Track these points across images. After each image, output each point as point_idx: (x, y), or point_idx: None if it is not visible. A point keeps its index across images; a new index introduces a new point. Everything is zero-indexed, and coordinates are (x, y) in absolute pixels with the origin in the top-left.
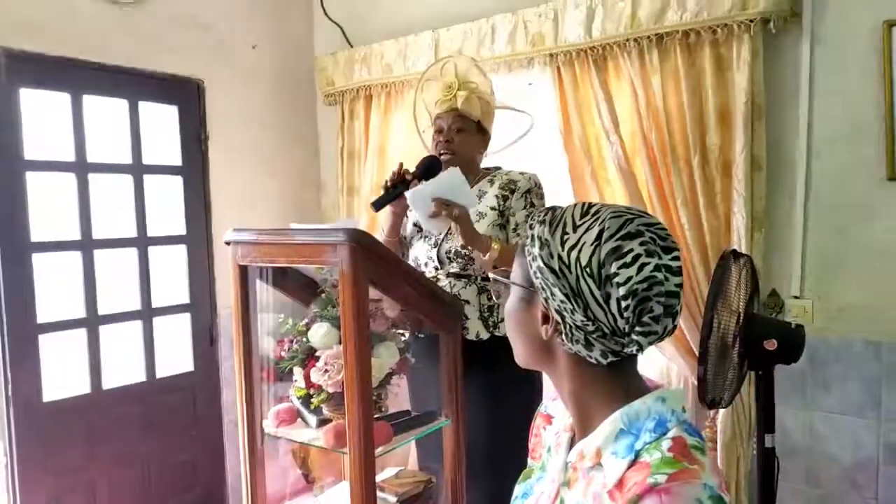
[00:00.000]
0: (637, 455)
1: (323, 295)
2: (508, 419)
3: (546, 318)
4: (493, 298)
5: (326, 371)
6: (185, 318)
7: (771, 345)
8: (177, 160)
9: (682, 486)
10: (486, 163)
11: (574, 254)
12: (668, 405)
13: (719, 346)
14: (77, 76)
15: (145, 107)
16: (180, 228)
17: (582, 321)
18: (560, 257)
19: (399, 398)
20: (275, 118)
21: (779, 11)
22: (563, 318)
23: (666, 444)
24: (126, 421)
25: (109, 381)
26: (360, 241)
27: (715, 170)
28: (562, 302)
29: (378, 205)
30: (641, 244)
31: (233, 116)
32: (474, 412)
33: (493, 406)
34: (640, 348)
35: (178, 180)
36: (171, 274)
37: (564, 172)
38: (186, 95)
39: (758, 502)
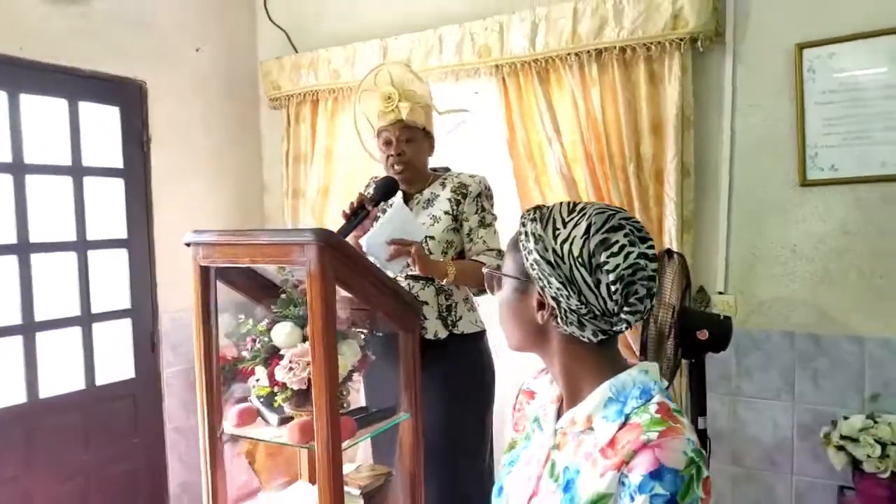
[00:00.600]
0: (627, 418)
1: (284, 295)
2: (466, 412)
3: (541, 305)
4: (451, 298)
5: (291, 369)
6: (125, 324)
7: (703, 335)
8: (118, 163)
9: (671, 441)
10: (434, 163)
11: (567, 246)
12: (650, 376)
13: (656, 337)
14: (14, 74)
15: (86, 107)
16: (121, 232)
17: (576, 305)
18: (554, 250)
19: (352, 396)
20: (218, 121)
21: (705, 31)
22: (558, 303)
23: (653, 408)
24: (65, 431)
25: (47, 390)
26: (328, 241)
27: (648, 176)
28: (558, 289)
29: (342, 235)
30: (625, 236)
31: (176, 119)
32: (433, 407)
33: (451, 401)
34: (628, 326)
35: (119, 183)
36: (112, 279)
37: (510, 177)
38: (128, 97)
39: None
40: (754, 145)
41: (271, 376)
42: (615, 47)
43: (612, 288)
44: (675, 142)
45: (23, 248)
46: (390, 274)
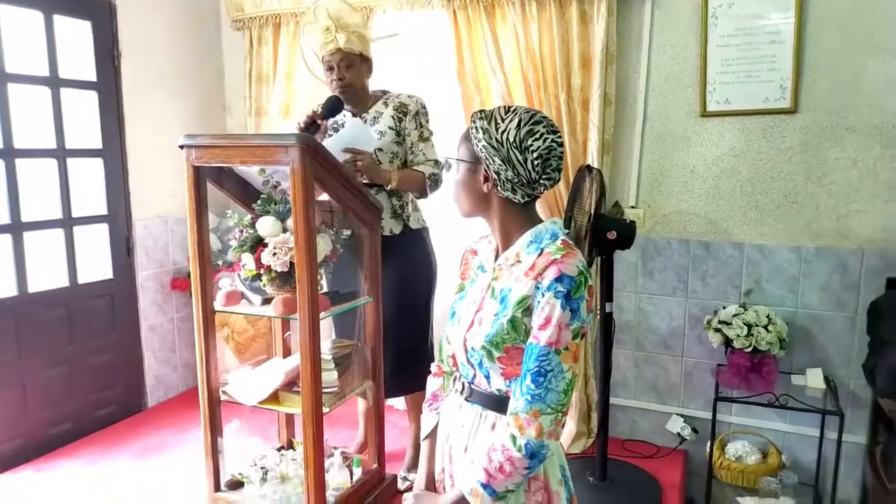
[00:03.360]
0: (542, 251)
1: (264, 195)
2: (416, 294)
3: (486, 178)
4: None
5: (275, 254)
6: (103, 229)
7: (612, 235)
8: (92, 76)
9: (569, 259)
10: (374, 86)
11: (504, 135)
12: (557, 226)
13: (574, 238)
14: None
15: (60, 21)
16: (97, 142)
17: (511, 176)
18: (496, 138)
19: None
20: (182, 39)
21: None
22: (499, 175)
23: (558, 242)
24: (51, 323)
25: (35, 285)
26: (308, 144)
27: (577, 104)
28: (499, 165)
29: None
30: (543, 127)
31: (143, 37)
32: (389, 290)
33: (403, 284)
34: (545, 189)
35: (93, 95)
36: (90, 186)
37: (459, 101)
38: (99, 12)
39: (601, 354)
40: (665, 80)
41: (258, 261)
42: None
43: (535, 163)
44: (600, 75)
45: (7, 154)
46: None
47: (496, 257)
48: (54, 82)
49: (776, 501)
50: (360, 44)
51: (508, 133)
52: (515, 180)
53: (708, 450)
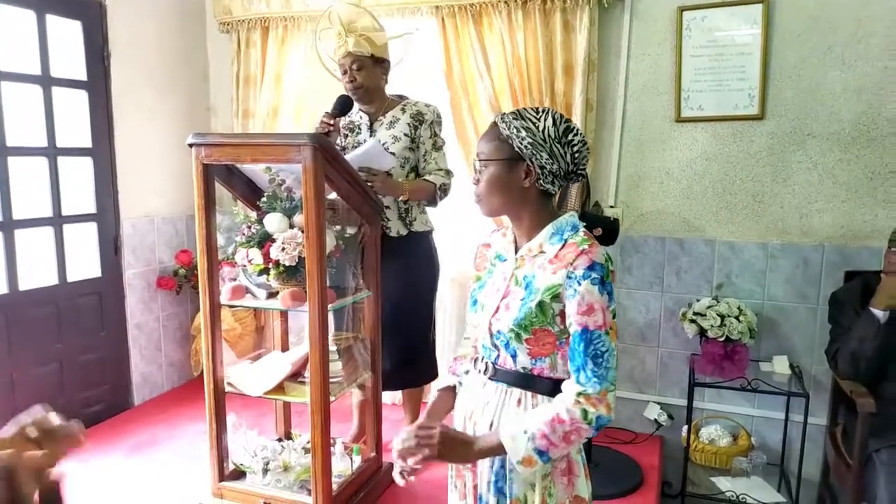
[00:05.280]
0: (565, 241)
1: (269, 192)
2: (418, 295)
3: (527, 174)
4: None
5: (284, 248)
6: (91, 227)
7: (598, 232)
8: (82, 75)
9: (596, 249)
10: (391, 90)
11: (546, 132)
12: (575, 219)
13: None
14: None
15: (52, 21)
16: (86, 141)
17: (555, 169)
18: (540, 136)
19: None
20: (169, 41)
21: None
22: (543, 169)
23: (581, 234)
24: (41, 321)
25: (25, 283)
26: (320, 143)
27: (560, 109)
28: (546, 160)
29: None
30: (572, 125)
31: (132, 37)
32: (393, 291)
33: (407, 284)
34: (576, 180)
35: (83, 95)
36: (79, 184)
37: (447, 105)
38: (90, 13)
39: None
40: (643, 87)
41: (266, 255)
42: None
43: (575, 155)
44: (582, 81)
45: None
46: None
47: (516, 248)
48: (46, 81)
49: (747, 480)
50: (369, 46)
51: (548, 130)
52: (558, 172)
53: (684, 433)
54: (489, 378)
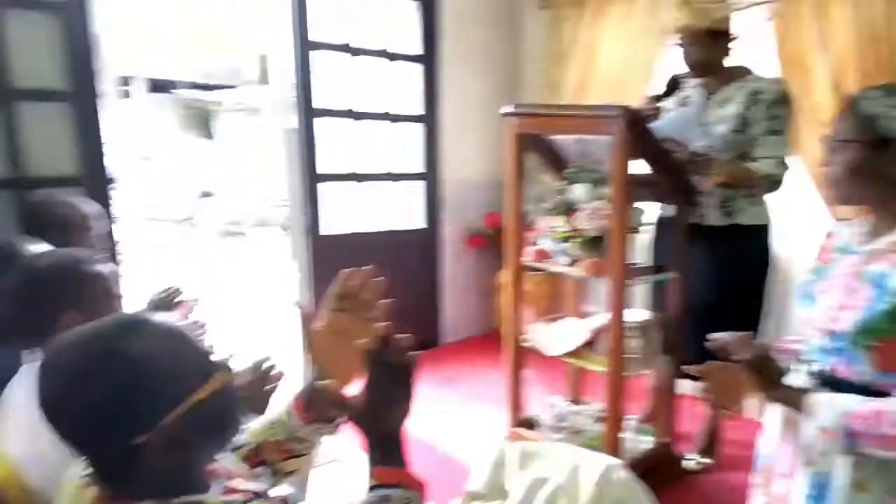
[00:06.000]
0: None
1: (575, 163)
2: (734, 291)
3: None
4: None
5: (592, 218)
6: (420, 185)
7: None
8: (419, 49)
9: None
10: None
11: None
12: None
13: None
14: None
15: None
16: (419, 109)
17: None
18: None
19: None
20: (492, 17)
21: None
22: None
23: None
24: (376, 256)
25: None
26: (634, 116)
27: None
28: None
29: None
30: None
31: (461, 14)
32: (705, 283)
33: (723, 281)
34: None
35: (418, 67)
36: (412, 147)
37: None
38: None
39: None
40: None
41: (570, 223)
42: None
43: None
44: None
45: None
46: None
47: (866, 242)
48: (387, 56)
49: None
50: (704, 20)
51: None
52: None
53: None
54: (819, 384)
